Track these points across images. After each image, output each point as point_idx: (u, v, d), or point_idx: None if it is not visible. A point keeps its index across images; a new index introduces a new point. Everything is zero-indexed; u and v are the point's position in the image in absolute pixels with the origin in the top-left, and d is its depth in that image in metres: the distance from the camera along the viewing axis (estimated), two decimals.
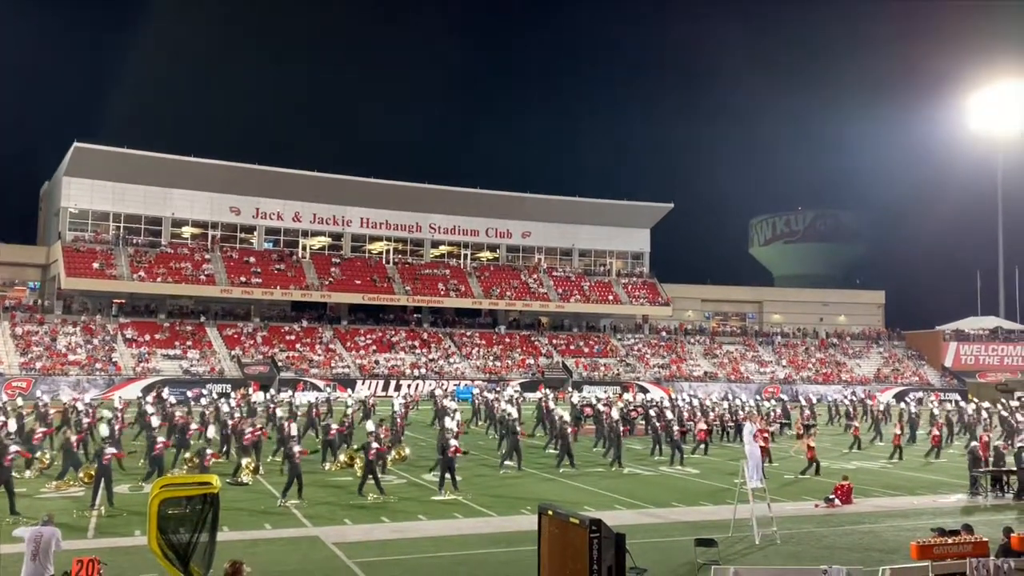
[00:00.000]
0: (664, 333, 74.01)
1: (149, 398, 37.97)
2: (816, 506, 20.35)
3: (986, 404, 43.32)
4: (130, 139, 66.21)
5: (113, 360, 53.56)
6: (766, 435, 27.82)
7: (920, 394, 64.13)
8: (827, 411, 46.10)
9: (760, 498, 16.97)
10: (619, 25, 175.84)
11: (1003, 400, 45.39)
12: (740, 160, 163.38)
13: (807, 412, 39.76)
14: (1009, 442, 30.30)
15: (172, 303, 61.94)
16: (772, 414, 39.99)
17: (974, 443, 24.79)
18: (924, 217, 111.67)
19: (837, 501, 20.42)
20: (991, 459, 23.62)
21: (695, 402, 40.88)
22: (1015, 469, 22.54)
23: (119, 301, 59.87)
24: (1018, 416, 36.77)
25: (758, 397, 54.86)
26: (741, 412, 37.00)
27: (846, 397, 49.36)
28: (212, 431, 23.83)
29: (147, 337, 56.87)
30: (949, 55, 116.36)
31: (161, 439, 22.40)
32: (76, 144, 57.54)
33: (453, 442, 21.46)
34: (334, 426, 26.54)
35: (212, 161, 62.92)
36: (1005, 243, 77.76)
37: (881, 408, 43.22)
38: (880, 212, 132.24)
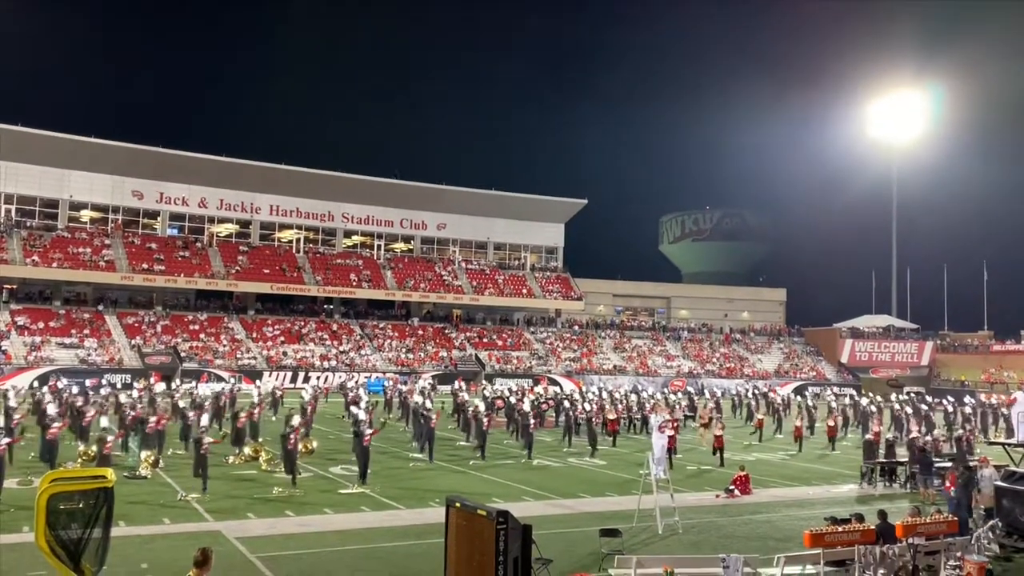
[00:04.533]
0: (576, 327, 74.92)
1: (45, 388, 36.28)
2: (717, 496, 20.97)
3: (878, 398, 45.43)
4: (25, 117, 62.86)
5: (2, 348, 50.85)
6: (675, 424, 28.58)
7: (818, 389, 66.84)
8: (730, 404, 47.53)
9: (664, 489, 17.38)
10: (536, 21, 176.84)
11: (894, 395, 47.71)
12: (652, 159, 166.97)
13: (711, 405, 40.92)
14: (899, 435, 31.91)
15: (68, 290, 59.21)
16: (678, 406, 41.02)
17: (867, 436, 26.02)
18: (824, 218, 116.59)
19: (736, 492, 21.09)
20: (882, 451, 24.81)
21: (604, 394, 41.55)
22: (904, 460, 23.74)
23: (10, 286, 56.89)
24: (908, 410, 38.70)
25: (665, 390, 56.18)
26: (648, 405, 37.82)
27: (748, 391, 50.99)
28: (105, 421, 22.96)
29: (40, 325, 54.21)
30: (850, 64, 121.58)
31: (56, 424, 21.48)
32: None
33: (368, 431, 21.27)
34: (242, 415, 25.95)
35: (114, 143, 60.32)
36: (898, 245, 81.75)
37: (780, 402, 44.89)
38: (783, 213, 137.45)
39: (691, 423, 38.73)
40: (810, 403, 39.87)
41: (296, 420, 21.76)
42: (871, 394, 49.33)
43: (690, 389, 53.01)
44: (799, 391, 63.64)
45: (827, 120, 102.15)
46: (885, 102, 77.97)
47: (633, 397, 41.58)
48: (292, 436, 20.47)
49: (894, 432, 33.24)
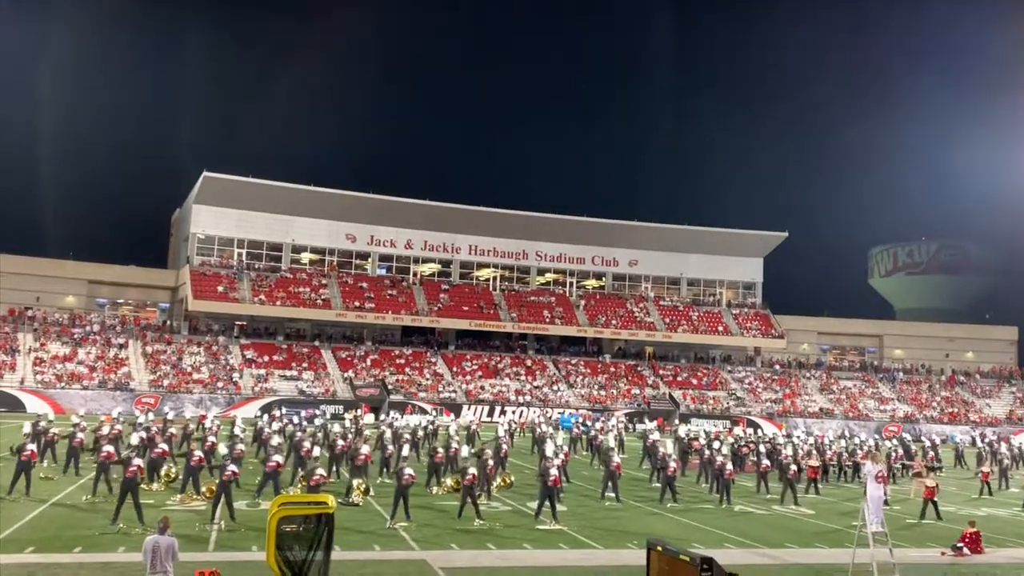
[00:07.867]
0: (777, 366, 71.73)
1: (267, 418, 39.32)
2: (943, 554, 19.22)
3: None
4: (255, 169, 69.35)
5: (234, 380, 55.95)
6: (887, 474, 26.52)
7: None
8: (953, 453, 43.52)
9: (881, 542, 16.16)
10: (732, 50, 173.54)
11: None
12: (860, 188, 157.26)
13: (931, 454, 37.76)
14: None
15: (290, 326, 64.32)
16: (893, 454, 38.07)
17: None
18: None
19: (965, 550, 19.22)
20: None
21: (811, 439, 39.35)
22: None
23: (241, 323, 62.65)
24: None
25: (877, 436, 52.31)
26: (859, 451, 35.41)
27: (975, 439, 46.51)
28: (316, 451, 24.68)
29: (266, 358, 59.16)
30: None
31: (277, 458, 23.15)
32: (206, 174, 60.83)
33: (553, 471, 21.34)
34: (440, 449, 26.87)
35: (331, 190, 65.44)
36: None
37: (1009, 452, 40.34)
38: (1012, 242, 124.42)
39: (908, 472, 35.78)
40: None
41: (464, 451, 22.23)
42: None
43: (907, 435, 49.01)
44: None
45: None
46: None
47: (842, 443, 39.13)
48: (471, 472, 20.87)
49: None
